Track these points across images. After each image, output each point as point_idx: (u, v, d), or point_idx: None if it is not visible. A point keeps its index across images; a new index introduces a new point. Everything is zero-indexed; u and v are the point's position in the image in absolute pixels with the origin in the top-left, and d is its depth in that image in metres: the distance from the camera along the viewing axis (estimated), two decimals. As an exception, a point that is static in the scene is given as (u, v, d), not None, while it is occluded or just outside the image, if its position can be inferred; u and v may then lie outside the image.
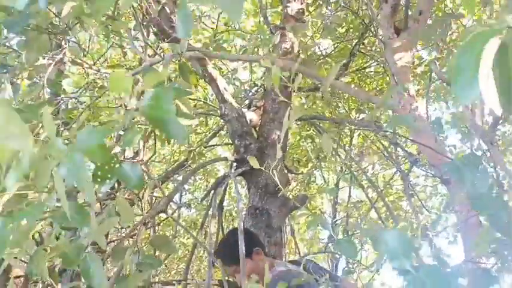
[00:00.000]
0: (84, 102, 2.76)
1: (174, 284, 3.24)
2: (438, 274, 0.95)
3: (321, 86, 3.10)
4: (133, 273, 1.47)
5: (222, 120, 3.54)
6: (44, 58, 2.25)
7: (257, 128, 2.96)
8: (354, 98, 4.49)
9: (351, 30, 4.07)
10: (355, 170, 4.39)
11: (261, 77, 3.95)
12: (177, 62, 2.30)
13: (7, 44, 2.29)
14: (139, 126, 1.38)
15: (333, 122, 3.74)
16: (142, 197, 2.33)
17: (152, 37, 3.49)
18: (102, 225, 1.35)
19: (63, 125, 2.19)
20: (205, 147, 4.35)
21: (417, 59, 4.39)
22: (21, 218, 1.05)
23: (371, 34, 3.74)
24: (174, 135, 1.01)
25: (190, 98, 3.96)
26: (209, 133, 4.58)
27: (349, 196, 4.76)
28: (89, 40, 3.09)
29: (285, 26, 3.07)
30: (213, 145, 4.70)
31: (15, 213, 1.04)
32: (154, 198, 3.81)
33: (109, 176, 1.10)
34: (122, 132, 1.24)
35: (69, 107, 2.73)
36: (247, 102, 3.75)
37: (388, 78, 4.33)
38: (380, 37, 2.72)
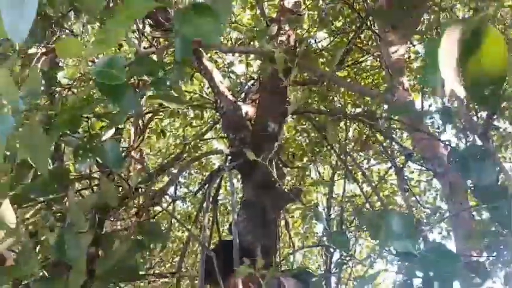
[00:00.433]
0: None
1: (168, 277, 3.24)
2: (445, 251, 0.93)
3: (320, 78, 3.08)
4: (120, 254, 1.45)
5: (217, 114, 3.53)
6: (37, 48, 2.22)
7: (252, 121, 2.95)
8: (349, 93, 4.48)
9: (347, 24, 4.05)
10: (350, 164, 4.40)
11: (257, 70, 3.93)
12: (171, 53, 2.28)
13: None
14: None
15: (329, 115, 3.72)
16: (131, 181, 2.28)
17: (148, 29, 3.46)
18: (80, 202, 1.32)
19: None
20: (200, 140, 4.34)
21: (413, 54, 4.39)
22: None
23: (367, 27, 3.72)
24: (124, 105, 0.97)
25: (185, 91, 3.95)
26: (204, 126, 4.57)
27: (344, 190, 4.76)
28: (83, 27, 3.03)
29: (282, 18, 3.05)
30: (209, 138, 4.68)
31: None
32: (144, 189, 3.78)
33: (89, 154, 1.09)
34: None
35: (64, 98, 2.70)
36: (243, 95, 3.74)
37: (384, 73, 4.33)
38: (375, 30, 2.72)
